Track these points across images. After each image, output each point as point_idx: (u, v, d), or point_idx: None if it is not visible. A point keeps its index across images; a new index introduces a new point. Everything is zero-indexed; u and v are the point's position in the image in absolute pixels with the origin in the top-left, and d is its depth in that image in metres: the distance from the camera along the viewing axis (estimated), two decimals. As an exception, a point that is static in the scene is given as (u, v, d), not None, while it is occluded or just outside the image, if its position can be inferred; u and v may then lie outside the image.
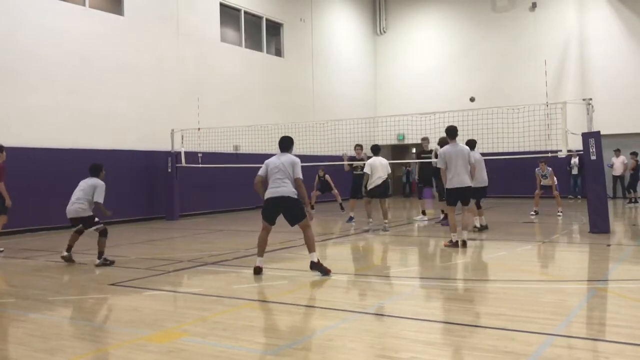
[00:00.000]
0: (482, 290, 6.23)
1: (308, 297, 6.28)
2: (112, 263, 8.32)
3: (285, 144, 7.65)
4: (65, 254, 8.61)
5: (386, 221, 11.97)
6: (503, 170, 18.04)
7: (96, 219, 8.53)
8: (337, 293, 6.39)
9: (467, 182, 9.22)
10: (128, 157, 15.12)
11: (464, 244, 9.16)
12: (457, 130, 9.41)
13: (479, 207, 11.47)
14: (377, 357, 4.08)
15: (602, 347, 4.23)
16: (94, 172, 8.70)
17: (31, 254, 9.76)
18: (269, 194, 7.35)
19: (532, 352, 4.06)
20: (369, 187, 11.92)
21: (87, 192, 8.45)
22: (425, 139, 13.65)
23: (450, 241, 9.20)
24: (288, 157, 7.46)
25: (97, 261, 8.29)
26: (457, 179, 9.16)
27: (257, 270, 7.30)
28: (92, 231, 8.50)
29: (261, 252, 7.44)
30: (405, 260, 8.54)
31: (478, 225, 11.31)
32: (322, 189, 16.71)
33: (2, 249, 10.11)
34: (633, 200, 18.46)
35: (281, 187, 7.27)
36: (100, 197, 8.46)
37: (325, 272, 7.14)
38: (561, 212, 14.28)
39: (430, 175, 13.27)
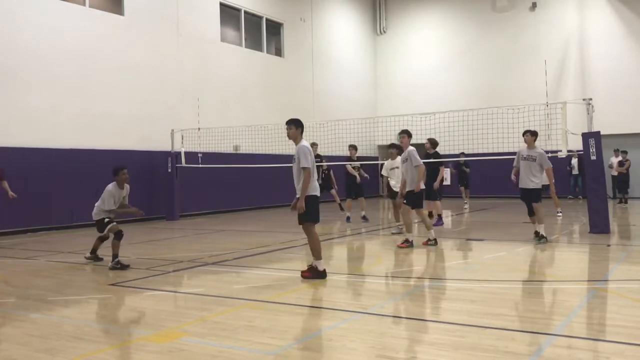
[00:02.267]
0: (482, 290, 6.23)
1: (308, 297, 6.27)
2: (125, 267, 7.88)
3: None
4: (88, 255, 8.57)
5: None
6: (503, 171, 17.99)
7: (107, 220, 8.24)
8: (337, 293, 6.39)
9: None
10: (128, 157, 15.06)
11: (435, 242, 9.52)
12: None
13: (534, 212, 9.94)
14: (377, 357, 4.07)
15: (602, 347, 4.23)
16: (113, 173, 8.36)
17: (31, 254, 9.75)
18: (317, 189, 6.87)
19: (532, 352, 4.06)
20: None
21: (101, 196, 8.27)
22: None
23: (406, 241, 9.41)
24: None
25: (110, 264, 7.96)
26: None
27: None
28: (107, 234, 8.29)
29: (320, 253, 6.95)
30: (404, 260, 8.53)
31: (543, 232, 9.79)
32: (323, 187, 16.52)
33: None
34: (624, 200, 18.43)
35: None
36: (105, 204, 8.20)
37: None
38: (560, 212, 14.26)
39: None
